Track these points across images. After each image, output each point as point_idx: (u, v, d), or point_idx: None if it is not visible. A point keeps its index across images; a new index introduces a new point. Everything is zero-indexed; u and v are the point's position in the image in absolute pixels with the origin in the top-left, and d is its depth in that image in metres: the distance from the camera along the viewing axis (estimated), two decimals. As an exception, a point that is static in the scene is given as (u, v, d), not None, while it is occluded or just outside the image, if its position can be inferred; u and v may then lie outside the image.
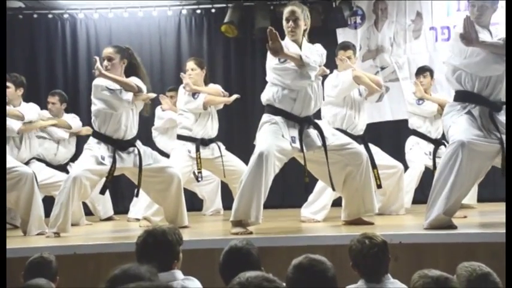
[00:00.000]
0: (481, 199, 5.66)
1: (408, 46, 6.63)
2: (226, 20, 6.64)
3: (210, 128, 5.29)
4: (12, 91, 5.16)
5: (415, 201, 5.51)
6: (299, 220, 4.80)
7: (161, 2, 6.94)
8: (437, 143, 5.47)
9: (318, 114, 4.64)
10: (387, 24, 6.70)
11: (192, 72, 5.31)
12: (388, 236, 2.58)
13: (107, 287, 1.77)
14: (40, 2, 6.97)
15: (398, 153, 5.57)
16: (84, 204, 5.44)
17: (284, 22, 4.18)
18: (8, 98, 5.14)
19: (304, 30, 4.19)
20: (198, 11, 7.05)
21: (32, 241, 4.20)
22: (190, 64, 5.36)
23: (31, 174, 4.49)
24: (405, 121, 5.83)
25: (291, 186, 6.43)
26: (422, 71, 5.68)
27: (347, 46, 5.10)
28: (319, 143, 4.13)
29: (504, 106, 3.85)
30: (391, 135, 6.50)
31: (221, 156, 5.22)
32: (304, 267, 2.04)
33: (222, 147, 5.37)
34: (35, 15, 6.96)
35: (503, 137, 3.73)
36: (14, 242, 4.08)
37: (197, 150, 5.11)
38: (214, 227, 5.09)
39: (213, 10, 7.00)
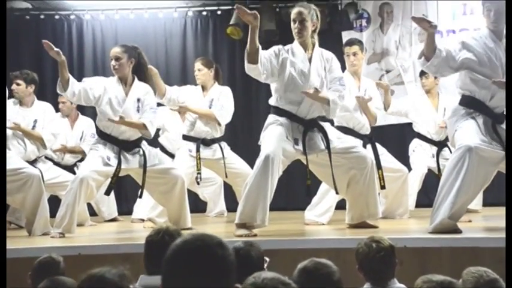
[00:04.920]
0: (485, 203, 5.65)
1: (414, 49, 6.61)
2: (231, 22, 6.65)
3: (214, 128, 5.28)
4: (22, 88, 5.17)
5: (420, 204, 5.50)
6: (303, 223, 4.79)
7: (167, 3, 6.95)
8: (441, 145, 5.46)
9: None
10: (393, 27, 6.70)
11: (199, 73, 5.33)
12: (393, 240, 2.57)
13: None
14: (47, 3, 6.99)
15: (402, 156, 5.55)
16: (89, 205, 5.44)
17: (291, 23, 4.17)
18: (19, 95, 5.16)
19: (313, 31, 4.17)
20: (204, 13, 7.06)
21: (36, 241, 4.20)
22: (197, 65, 5.37)
23: (38, 176, 4.50)
24: (410, 124, 5.82)
25: (296, 189, 6.41)
26: (423, 72, 5.67)
27: (351, 42, 5.11)
28: (322, 146, 4.12)
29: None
30: (395, 139, 6.49)
31: (223, 157, 5.21)
32: (309, 270, 2.03)
33: (227, 148, 5.36)
34: (42, 16, 6.99)
35: None
36: (19, 242, 4.09)
37: (197, 150, 5.11)
38: (218, 229, 5.08)
39: (218, 12, 7.01)
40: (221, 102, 5.26)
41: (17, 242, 4.00)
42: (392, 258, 2.47)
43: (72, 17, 7.01)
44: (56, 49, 4.21)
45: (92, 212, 5.69)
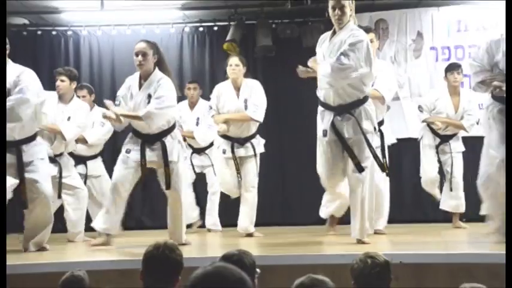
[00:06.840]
0: (482, 219, 5.64)
1: (409, 65, 6.67)
2: (228, 37, 6.68)
3: (246, 128, 5.30)
4: (66, 84, 5.24)
5: (415, 220, 5.49)
6: (300, 238, 4.78)
7: (164, 19, 6.98)
8: (444, 138, 5.48)
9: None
10: (388, 44, 6.75)
11: (236, 68, 5.38)
12: (388, 256, 2.57)
13: None
14: (44, 19, 7.02)
15: (397, 172, 5.56)
16: (86, 220, 5.41)
17: (330, 11, 4.21)
18: (62, 92, 5.22)
19: (350, 15, 4.23)
20: (201, 29, 7.09)
21: (30, 258, 4.18)
22: (235, 60, 5.44)
23: (48, 196, 4.38)
24: (405, 140, 5.84)
25: (291, 204, 6.41)
26: (456, 67, 5.67)
27: (369, 29, 5.12)
28: (346, 135, 4.13)
29: None
30: (391, 154, 6.49)
31: (255, 155, 5.23)
32: (306, 287, 2.03)
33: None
34: (39, 32, 7.00)
35: None
36: (12, 259, 4.05)
37: (232, 151, 5.20)
38: (215, 242, 5.08)
39: (215, 28, 7.04)
40: (253, 101, 5.29)
41: (10, 259, 3.97)
42: (387, 274, 2.47)
43: (69, 32, 7.03)
44: (114, 117, 4.39)
45: (88, 228, 5.64)
